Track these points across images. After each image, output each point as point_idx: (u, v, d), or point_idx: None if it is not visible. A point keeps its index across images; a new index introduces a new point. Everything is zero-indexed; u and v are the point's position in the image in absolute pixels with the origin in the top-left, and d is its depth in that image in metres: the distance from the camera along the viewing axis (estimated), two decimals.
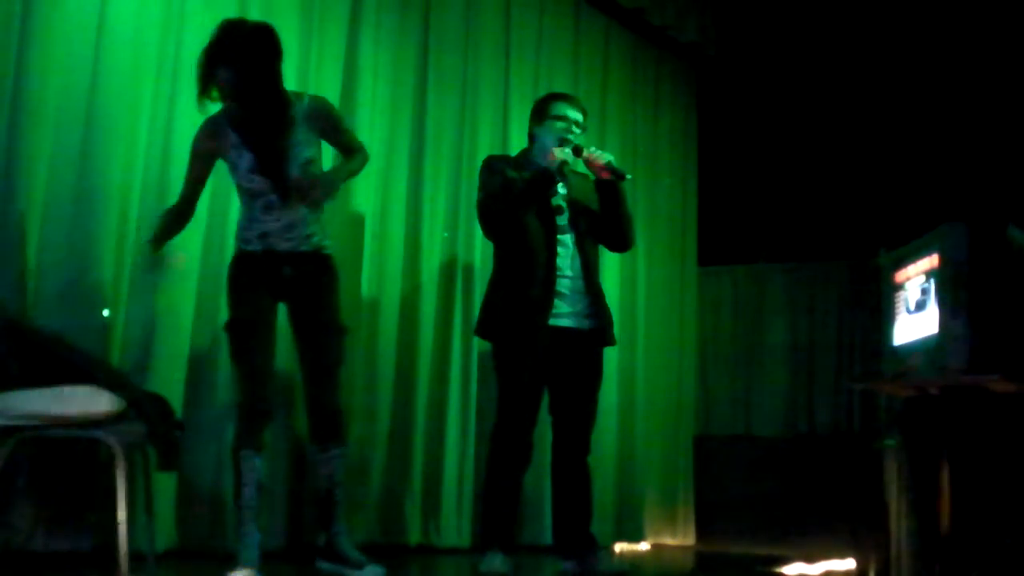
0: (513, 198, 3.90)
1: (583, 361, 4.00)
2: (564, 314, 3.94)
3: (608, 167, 3.93)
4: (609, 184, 3.99)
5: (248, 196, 3.48)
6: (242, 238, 3.50)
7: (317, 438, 3.51)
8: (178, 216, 3.52)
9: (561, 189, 4.05)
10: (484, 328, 4.07)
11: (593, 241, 4.10)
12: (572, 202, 4.04)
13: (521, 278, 3.92)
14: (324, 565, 3.47)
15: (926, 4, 6.13)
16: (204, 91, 3.29)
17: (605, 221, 4.06)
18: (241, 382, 3.42)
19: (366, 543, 4.35)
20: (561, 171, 3.96)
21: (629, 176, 4.01)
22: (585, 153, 3.94)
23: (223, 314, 3.99)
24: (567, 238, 4.00)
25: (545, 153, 3.95)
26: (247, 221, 3.49)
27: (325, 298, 3.54)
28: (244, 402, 3.40)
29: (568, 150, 3.94)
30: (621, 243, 4.19)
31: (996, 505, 3.16)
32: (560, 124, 4.03)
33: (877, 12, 6.33)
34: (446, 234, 5.01)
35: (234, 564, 3.25)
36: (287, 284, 3.48)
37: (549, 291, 3.90)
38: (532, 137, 4.13)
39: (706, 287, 6.96)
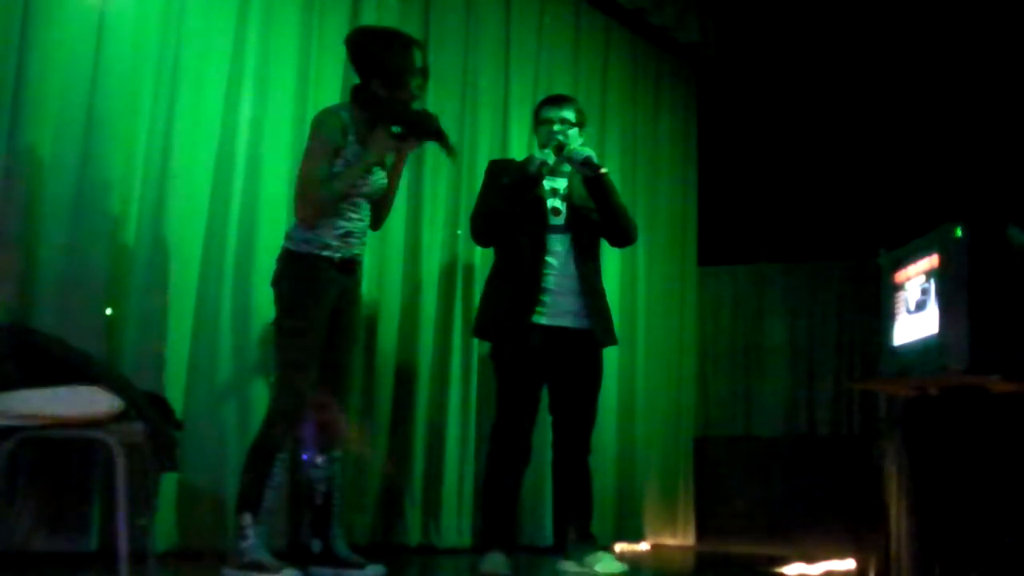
0: (497, 208, 3.93)
1: (581, 361, 4.01)
2: (559, 313, 3.95)
3: (586, 162, 3.95)
4: (593, 179, 4.01)
5: None
6: (318, 242, 3.40)
7: (321, 442, 3.51)
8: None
9: (562, 190, 4.07)
10: (477, 328, 4.11)
11: (592, 242, 4.10)
12: (571, 203, 4.05)
13: (507, 279, 3.95)
14: (323, 571, 3.45)
15: (926, 4, 6.13)
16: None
17: (601, 217, 4.07)
18: (294, 386, 3.34)
19: (366, 543, 4.36)
20: (540, 172, 3.95)
21: (604, 169, 4.03)
22: (565, 152, 3.97)
23: (224, 313, 4.02)
24: (564, 239, 4.01)
25: (533, 157, 3.99)
26: (328, 220, 3.41)
27: (360, 308, 3.57)
28: (293, 407, 3.34)
29: (550, 151, 3.96)
30: (620, 237, 4.18)
31: (996, 505, 3.16)
32: (546, 128, 4.07)
33: (877, 12, 6.33)
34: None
35: (251, 567, 3.21)
36: (344, 289, 3.48)
37: (532, 290, 3.91)
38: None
39: (706, 287, 6.96)
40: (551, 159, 3.95)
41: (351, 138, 3.43)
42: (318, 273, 3.39)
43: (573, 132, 4.06)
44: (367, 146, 3.43)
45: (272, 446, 3.31)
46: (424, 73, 3.57)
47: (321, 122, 3.45)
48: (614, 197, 4.07)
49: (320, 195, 3.35)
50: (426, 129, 3.45)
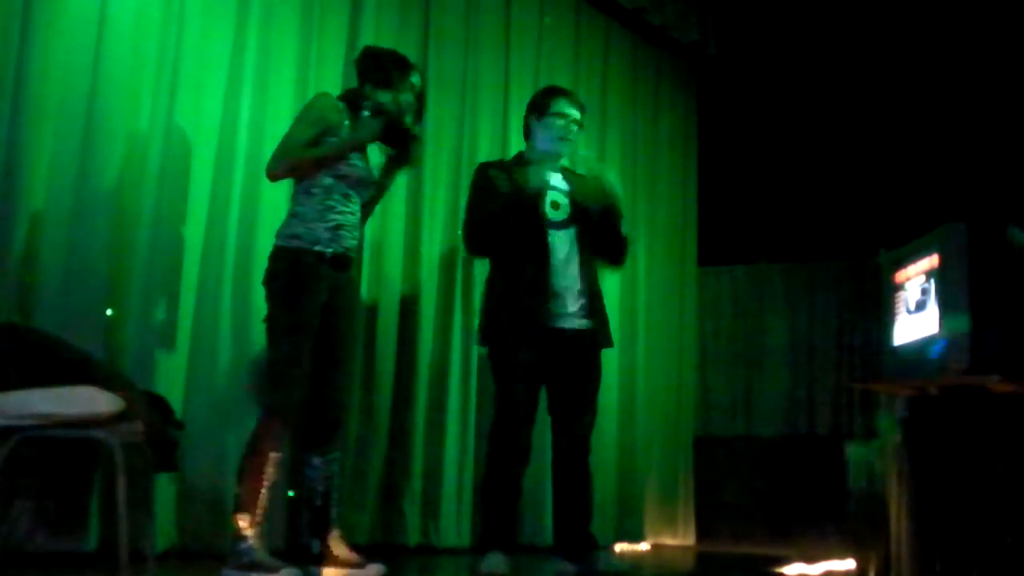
0: (494, 222, 3.92)
1: (580, 362, 3.99)
2: (560, 315, 3.94)
3: (609, 210, 3.98)
4: (606, 212, 4.00)
5: (333, 181, 3.45)
6: (309, 238, 3.41)
7: (318, 442, 3.50)
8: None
9: (563, 186, 4.05)
10: (484, 335, 4.07)
11: (591, 242, 4.09)
12: (572, 203, 4.03)
13: (511, 283, 3.92)
14: (324, 571, 3.46)
15: (926, 4, 6.13)
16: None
17: (603, 241, 4.06)
18: (285, 386, 3.33)
19: (366, 543, 4.36)
20: (542, 192, 3.95)
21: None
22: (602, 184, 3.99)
23: (224, 314, 4.02)
24: (566, 235, 3.99)
25: (537, 175, 3.94)
26: (318, 214, 3.42)
27: (358, 306, 3.56)
28: (285, 408, 3.33)
29: (555, 169, 3.96)
30: (615, 260, 4.21)
31: (996, 505, 3.16)
32: (560, 122, 4.01)
33: (877, 12, 6.34)
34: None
35: (250, 567, 3.20)
36: (337, 286, 3.47)
37: (540, 296, 3.89)
38: (528, 129, 4.12)
39: (706, 287, 6.96)
40: (552, 178, 3.96)
41: (347, 122, 3.49)
42: (308, 269, 3.38)
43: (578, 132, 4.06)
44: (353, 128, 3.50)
45: (266, 445, 3.31)
46: (420, 99, 3.67)
47: (317, 97, 3.57)
48: (620, 227, 4.06)
49: (293, 156, 3.41)
50: (394, 128, 3.53)
